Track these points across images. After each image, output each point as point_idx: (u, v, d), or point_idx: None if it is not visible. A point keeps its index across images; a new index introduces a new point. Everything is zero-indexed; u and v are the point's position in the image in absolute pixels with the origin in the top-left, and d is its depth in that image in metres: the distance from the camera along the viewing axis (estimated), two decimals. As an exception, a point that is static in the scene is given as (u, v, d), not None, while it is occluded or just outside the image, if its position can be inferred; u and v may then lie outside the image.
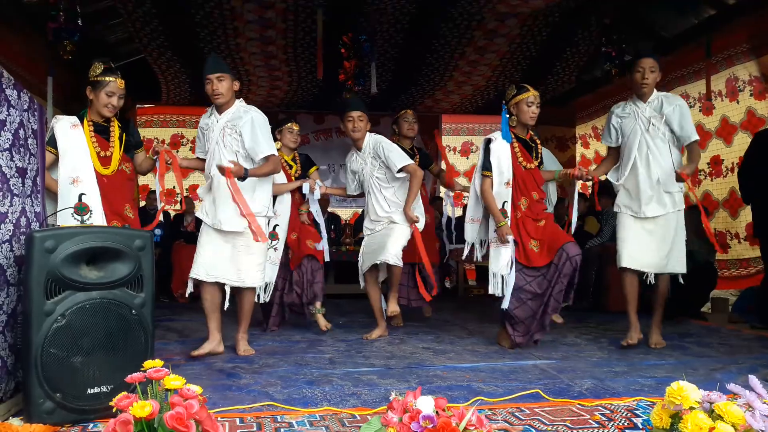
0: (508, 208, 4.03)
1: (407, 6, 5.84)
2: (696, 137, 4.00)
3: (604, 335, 4.62)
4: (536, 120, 4.08)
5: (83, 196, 3.44)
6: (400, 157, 4.43)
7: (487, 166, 4.06)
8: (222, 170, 3.59)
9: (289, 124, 4.92)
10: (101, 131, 3.66)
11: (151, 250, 2.65)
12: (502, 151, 4.04)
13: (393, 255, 4.39)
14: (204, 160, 3.96)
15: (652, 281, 4.04)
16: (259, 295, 4.34)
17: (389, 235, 4.49)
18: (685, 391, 1.94)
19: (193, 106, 9.25)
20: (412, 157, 4.93)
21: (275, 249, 4.63)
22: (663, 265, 4.02)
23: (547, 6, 5.84)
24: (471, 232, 4.30)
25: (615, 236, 6.28)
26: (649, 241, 4.01)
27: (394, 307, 4.51)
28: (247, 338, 4.01)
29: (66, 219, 3.17)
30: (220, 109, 3.84)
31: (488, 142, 4.09)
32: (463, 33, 6.45)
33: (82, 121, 3.62)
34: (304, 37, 6.47)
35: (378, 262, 4.48)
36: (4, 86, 2.45)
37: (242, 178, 3.65)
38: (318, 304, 4.80)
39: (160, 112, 9.71)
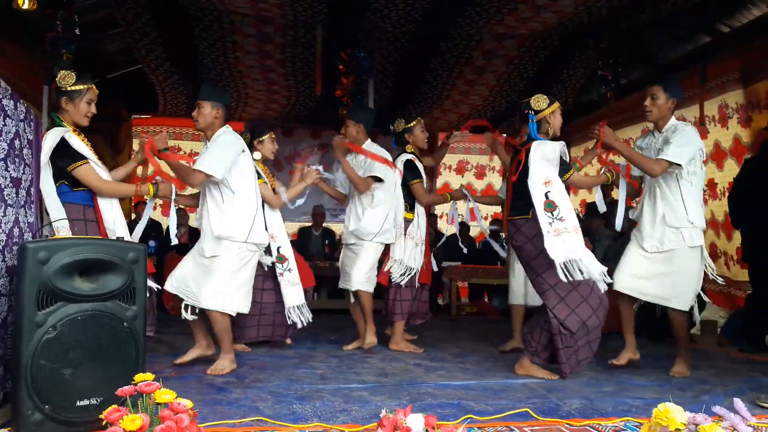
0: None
1: (407, 25, 5.89)
2: (670, 158, 3.72)
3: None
4: None
5: None
6: (378, 168, 4.51)
7: (567, 168, 3.77)
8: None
9: (267, 135, 4.96)
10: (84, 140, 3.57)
11: (144, 263, 2.65)
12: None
13: (356, 282, 4.53)
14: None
15: (658, 312, 3.97)
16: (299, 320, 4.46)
17: (355, 258, 4.59)
18: (671, 413, 1.96)
19: (190, 118, 9.26)
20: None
21: (290, 270, 4.54)
22: (664, 298, 3.91)
23: (546, 29, 5.91)
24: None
25: (606, 258, 6.33)
26: (649, 270, 3.91)
27: (371, 338, 4.57)
28: (232, 357, 3.82)
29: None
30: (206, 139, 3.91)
31: (560, 146, 3.82)
32: (461, 53, 6.51)
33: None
34: (302, 53, 6.52)
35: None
36: (0, 96, 2.46)
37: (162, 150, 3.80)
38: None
39: (156, 123, 9.73)
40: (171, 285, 3.79)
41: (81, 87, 3.49)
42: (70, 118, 3.51)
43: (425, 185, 4.88)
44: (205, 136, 3.86)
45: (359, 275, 4.57)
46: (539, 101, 3.87)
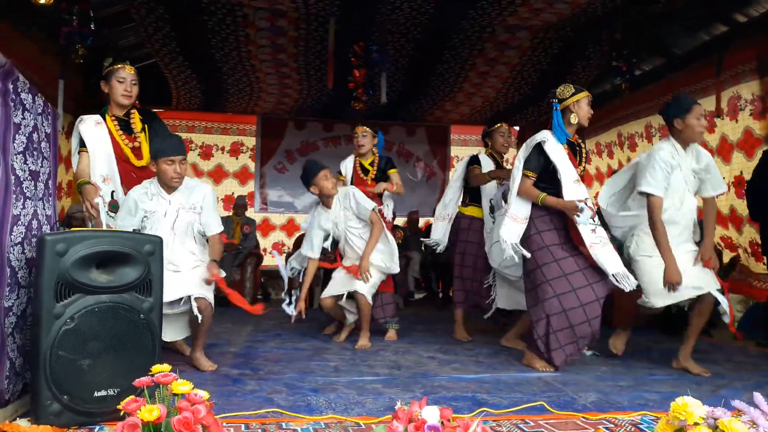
0: (591, 204, 3.76)
1: (419, 17, 5.86)
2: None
3: (608, 349, 4.59)
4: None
5: (114, 193, 3.58)
6: (367, 203, 4.56)
7: (532, 167, 3.83)
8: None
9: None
10: (123, 125, 3.73)
11: (161, 255, 2.67)
12: (559, 151, 3.84)
13: (368, 290, 4.50)
14: None
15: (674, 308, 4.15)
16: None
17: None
18: (689, 407, 1.94)
19: (203, 112, 9.33)
20: (500, 167, 4.98)
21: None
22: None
23: (559, 20, 5.86)
24: (512, 232, 3.90)
25: (622, 250, 6.29)
26: None
27: (364, 342, 4.52)
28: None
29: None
30: (171, 190, 3.56)
31: (541, 144, 3.83)
32: (474, 44, 6.47)
33: (104, 118, 3.69)
34: (315, 46, 6.51)
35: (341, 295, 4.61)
36: (19, 90, 2.48)
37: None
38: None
39: (169, 117, 9.74)
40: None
41: (111, 68, 3.69)
42: (113, 101, 3.72)
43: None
44: (169, 186, 3.53)
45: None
46: (564, 89, 3.90)
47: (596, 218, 3.81)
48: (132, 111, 3.80)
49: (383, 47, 6.30)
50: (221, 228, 3.72)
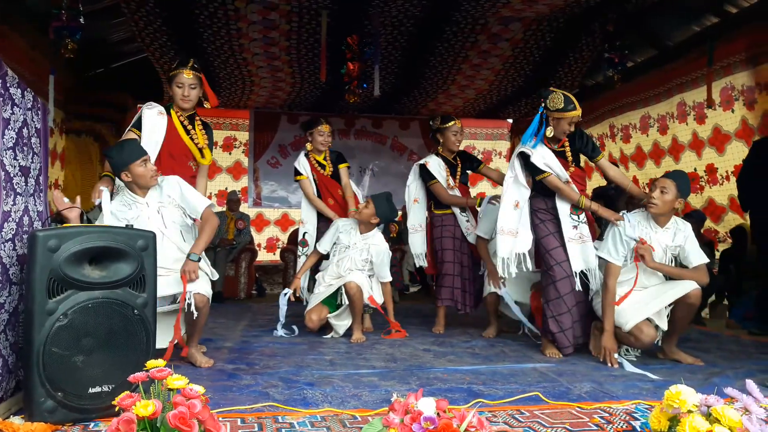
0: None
1: (412, 9, 5.85)
2: (705, 261, 3.88)
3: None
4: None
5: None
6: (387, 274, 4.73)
7: (540, 170, 3.87)
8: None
9: (319, 127, 4.98)
10: (190, 122, 3.89)
11: (154, 251, 2.66)
12: (547, 156, 3.88)
13: (361, 279, 4.52)
14: None
15: None
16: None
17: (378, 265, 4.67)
18: (683, 395, 1.96)
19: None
20: (454, 168, 4.96)
21: (306, 255, 4.97)
22: None
23: (552, 12, 5.85)
24: (506, 246, 4.00)
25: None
26: None
27: (358, 335, 4.53)
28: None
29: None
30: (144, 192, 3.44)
31: (527, 156, 3.89)
32: (466, 37, 6.46)
33: (168, 113, 3.81)
34: (307, 39, 6.48)
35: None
36: (8, 85, 2.46)
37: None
38: None
39: (161, 112, 9.72)
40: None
41: (174, 72, 3.83)
42: (175, 102, 3.86)
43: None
44: (146, 187, 3.42)
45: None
46: (554, 101, 3.84)
47: (582, 216, 3.94)
48: (195, 117, 3.94)
49: (376, 40, 6.28)
50: (208, 201, 3.51)
